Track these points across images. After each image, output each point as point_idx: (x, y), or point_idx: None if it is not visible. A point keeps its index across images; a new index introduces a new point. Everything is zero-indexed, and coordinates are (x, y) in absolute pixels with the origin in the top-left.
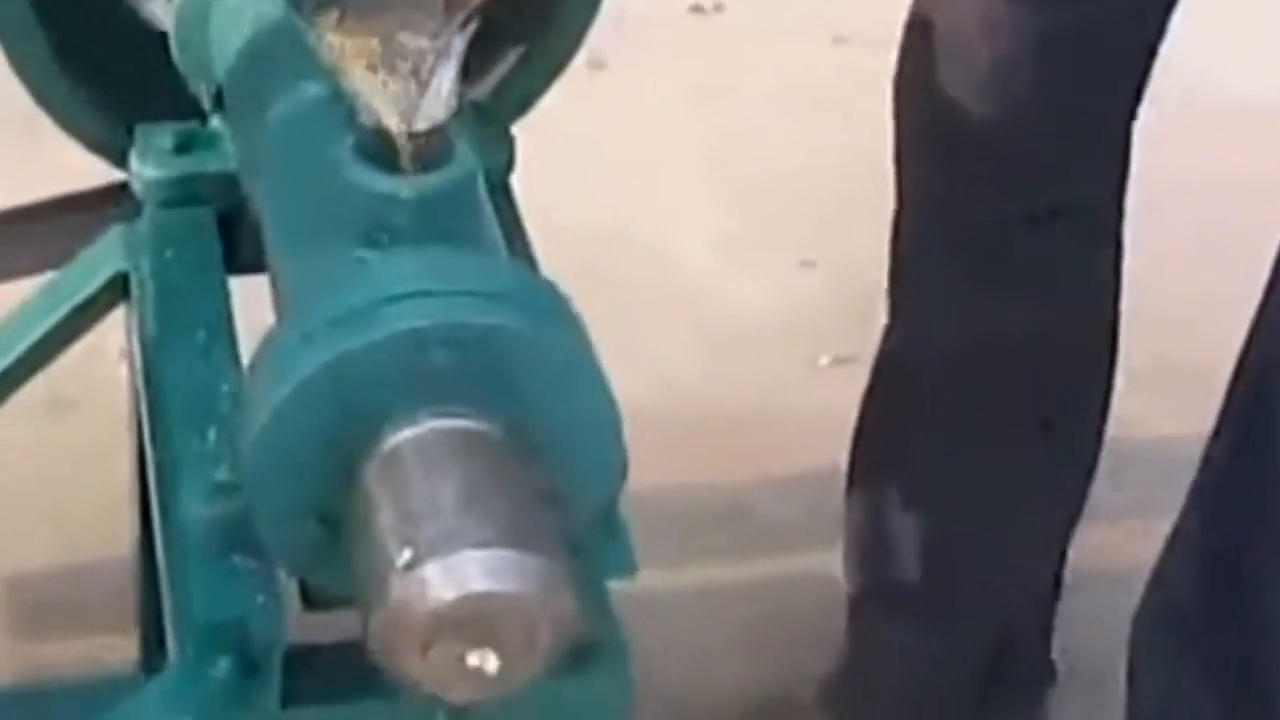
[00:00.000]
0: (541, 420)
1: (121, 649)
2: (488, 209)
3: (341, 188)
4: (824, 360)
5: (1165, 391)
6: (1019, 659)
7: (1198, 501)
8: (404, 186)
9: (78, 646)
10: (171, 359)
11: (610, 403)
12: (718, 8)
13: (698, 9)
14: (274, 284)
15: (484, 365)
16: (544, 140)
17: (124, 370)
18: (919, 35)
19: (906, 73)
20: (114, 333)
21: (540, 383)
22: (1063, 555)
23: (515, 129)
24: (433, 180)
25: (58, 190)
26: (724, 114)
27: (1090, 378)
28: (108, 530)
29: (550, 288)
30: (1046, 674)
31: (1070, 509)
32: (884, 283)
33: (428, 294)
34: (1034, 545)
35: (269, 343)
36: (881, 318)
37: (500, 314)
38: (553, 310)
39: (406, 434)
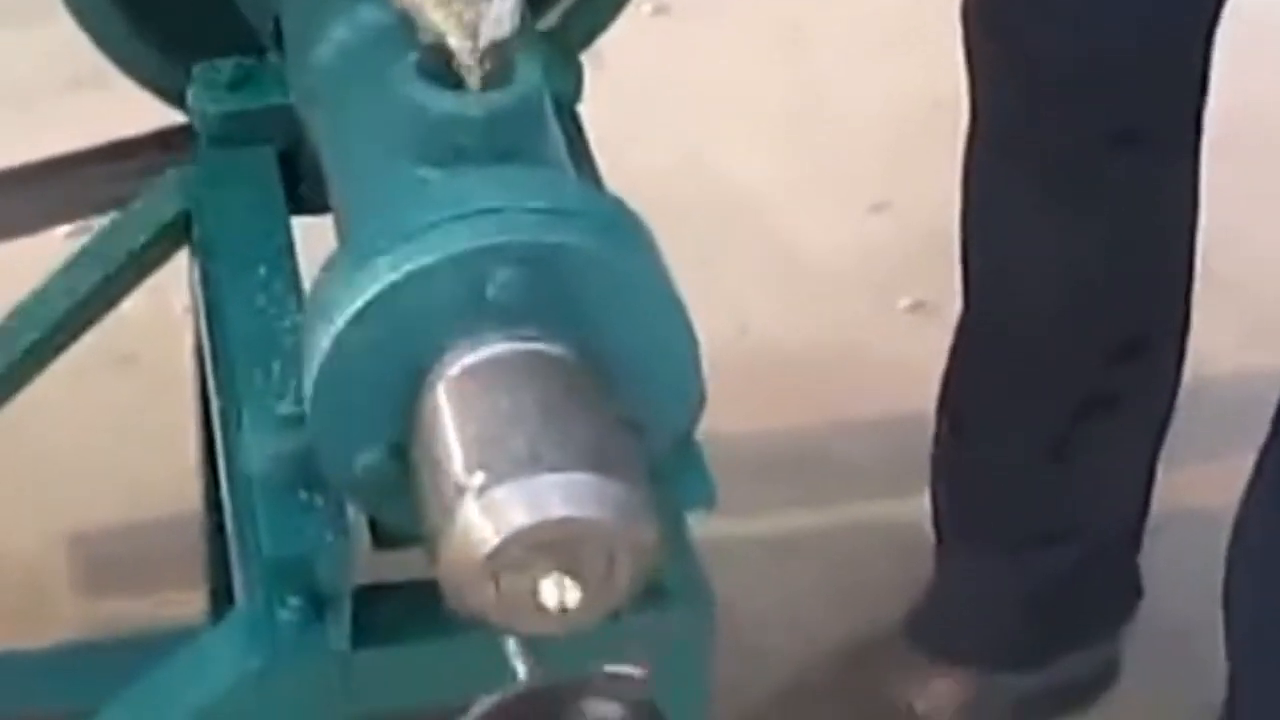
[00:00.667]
0: (616, 344)
1: (190, 604)
2: (555, 129)
3: (404, 107)
4: (902, 303)
5: (1239, 319)
6: (1107, 582)
7: None
8: (468, 104)
9: (145, 603)
10: (233, 296)
11: (687, 327)
12: None
13: None
14: (336, 211)
15: (555, 286)
16: (613, 83)
17: (188, 326)
18: None
19: None
20: (177, 289)
21: (614, 305)
22: (1150, 478)
23: (585, 72)
24: (498, 98)
25: None
26: (792, 56)
27: (1172, 298)
28: (174, 486)
29: (623, 207)
30: (1134, 594)
31: (1156, 431)
32: (957, 225)
33: (496, 211)
34: (1122, 469)
35: (331, 266)
36: (957, 262)
37: (571, 232)
38: (626, 230)
39: (475, 356)
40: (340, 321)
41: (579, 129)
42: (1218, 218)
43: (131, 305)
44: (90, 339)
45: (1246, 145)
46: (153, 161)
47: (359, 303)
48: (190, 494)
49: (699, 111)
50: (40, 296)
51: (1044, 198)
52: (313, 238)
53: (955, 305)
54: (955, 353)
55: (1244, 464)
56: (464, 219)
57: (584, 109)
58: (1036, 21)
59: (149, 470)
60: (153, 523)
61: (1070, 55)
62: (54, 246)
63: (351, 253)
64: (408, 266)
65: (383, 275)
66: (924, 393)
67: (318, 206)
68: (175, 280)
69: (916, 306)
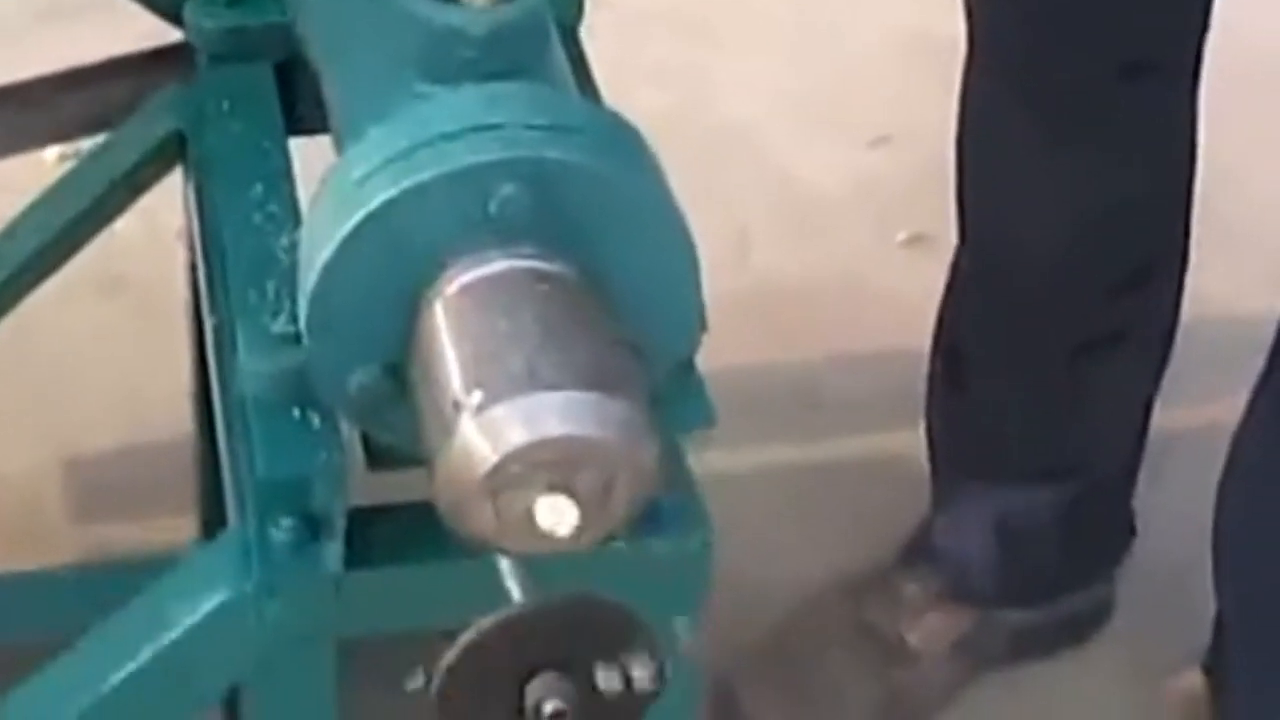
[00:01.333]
0: (618, 263)
1: (184, 529)
2: (557, 46)
3: (404, 21)
4: (901, 236)
5: (1237, 260)
6: (1102, 521)
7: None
8: (471, 18)
9: (139, 527)
10: (228, 214)
11: (690, 246)
12: None
13: None
14: (334, 128)
15: (556, 203)
16: (614, 13)
17: (181, 250)
18: None
19: None
20: (170, 210)
21: (616, 223)
22: (1146, 417)
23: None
24: (500, 12)
25: None
26: None
27: (1173, 231)
28: (168, 408)
29: (625, 124)
30: (1128, 533)
31: (1154, 369)
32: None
33: (495, 127)
34: (1119, 408)
35: (327, 181)
36: None
37: (573, 149)
38: (629, 148)
39: (475, 273)
40: (336, 239)
41: (580, 50)
42: (1217, 158)
43: (123, 226)
44: (81, 260)
45: (1247, 84)
46: (146, 80)
47: (355, 220)
48: (184, 417)
49: (699, 44)
50: (30, 216)
51: (1048, 131)
52: (311, 158)
53: (950, 239)
54: (950, 289)
55: (1238, 404)
56: (464, 135)
57: (585, 43)
58: None
59: (142, 392)
60: (146, 446)
61: None
62: (45, 168)
63: (348, 168)
64: (405, 183)
65: (379, 192)
66: (921, 326)
67: (316, 126)
68: (167, 202)
69: (915, 240)
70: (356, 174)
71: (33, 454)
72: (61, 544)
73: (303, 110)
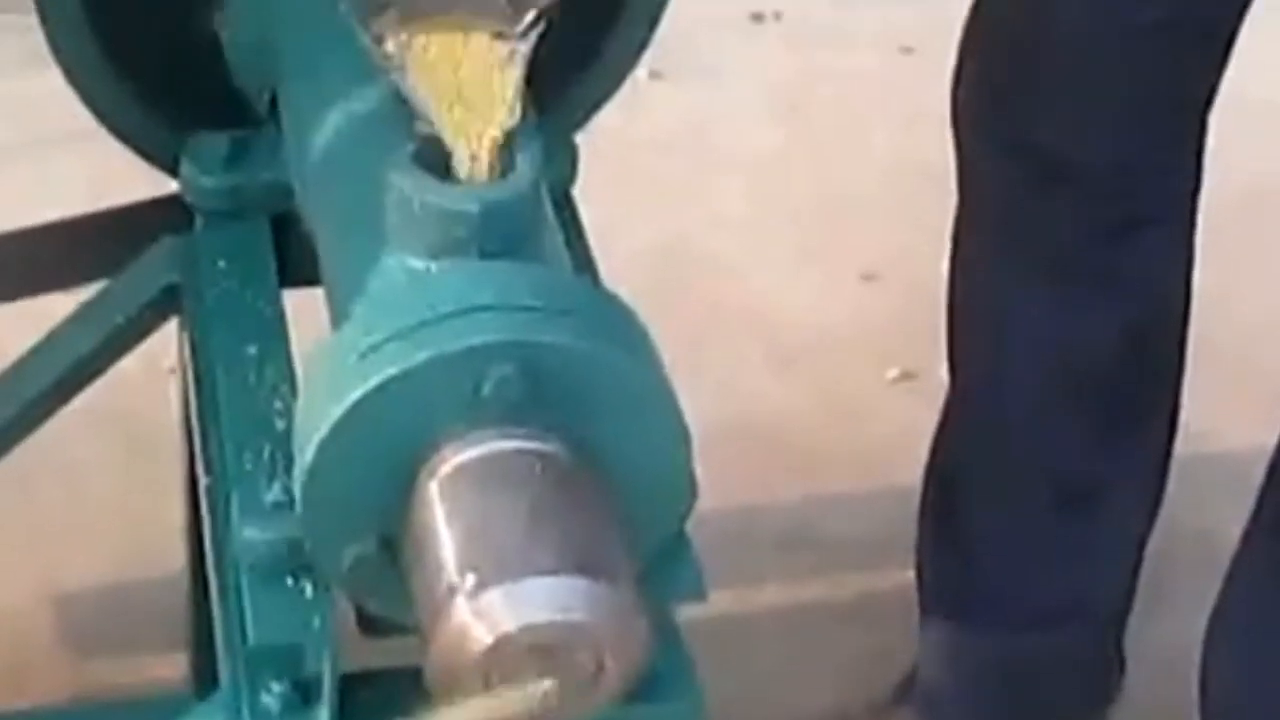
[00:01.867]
0: (609, 441)
1: (176, 667)
2: (551, 221)
3: (399, 198)
4: (892, 374)
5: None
6: (1092, 661)
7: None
8: (464, 198)
9: (131, 666)
10: (224, 374)
11: (680, 424)
12: (777, 16)
13: (758, 17)
14: (329, 296)
15: (549, 384)
16: (605, 150)
17: (175, 385)
18: (978, 42)
19: (966, 75)
20: (165, 347)
21: (608, 402)
22: (1139, 557)
23: (577, 139)
24: (495, 191)
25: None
26: (785, 124)
27: (1165, 377)
28: (161, 547)
29: (617, 303)
30: (1118, 673)
31: (1146, 512)
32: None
33: (489, 309)
34: (1110, 549)
35: (323, 357)
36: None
37: (565, 331)
38: (621, 327)
39: (469, 454)
40: (331, 419)
41: (572, 211)
42: (1206, 285)
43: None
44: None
45: (1234, 211)
46: (143, 230)
47: (349, 400)
48: (177, 554)
49: (689, 175)
50: (27, 364)
51: (1038, 281)
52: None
53: (941, 376)
54: (943, 426)
55: (1231, 538)
56: (458, 316)
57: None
58: (1039, 124)
59: (136, 528)
60: (139, 582)
61: (1076, 154)
62: (44, 313)
63: (343, 346)
64: (399, 364)
65: (374, 373)
66: (912, 464)
67: (311, 278)
68: (162, 336)
69: (905, 377)
70: (351, 353)
71: (24, 589)
72: (52, 681)
73: (297, 262)
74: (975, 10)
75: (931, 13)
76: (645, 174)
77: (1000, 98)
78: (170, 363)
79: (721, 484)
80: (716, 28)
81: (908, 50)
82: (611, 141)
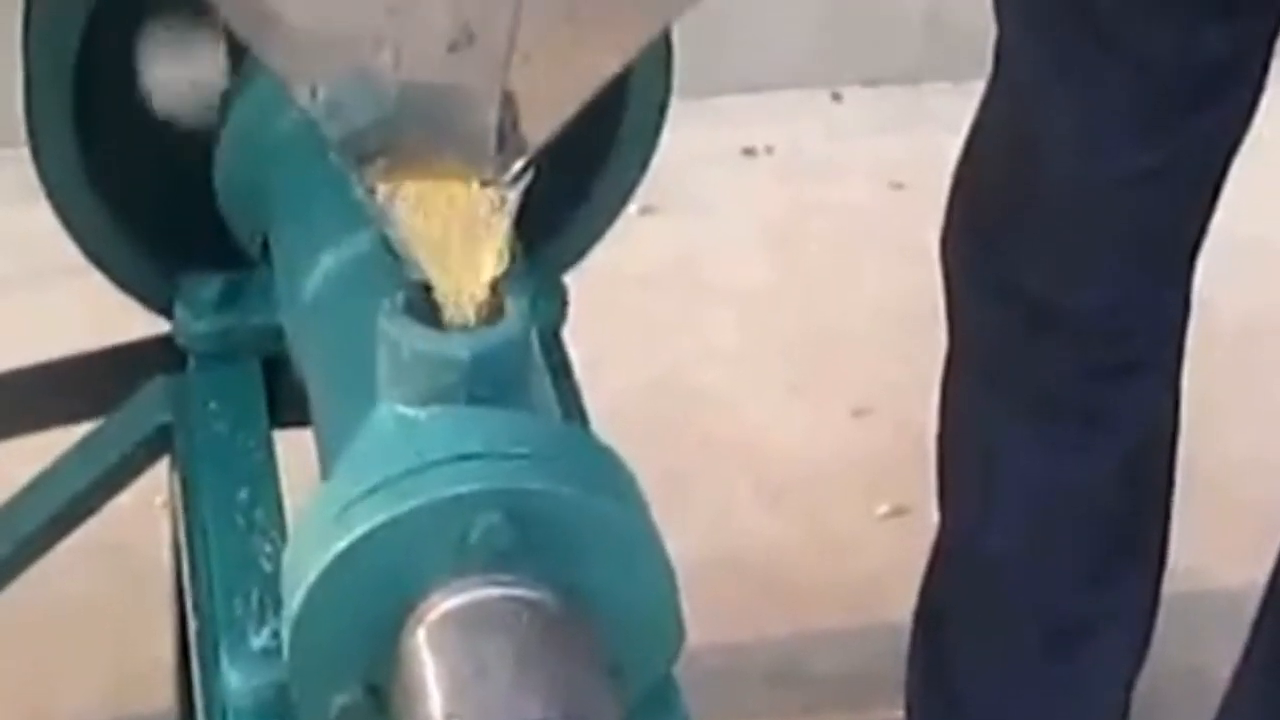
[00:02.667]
0: (596, 589)
1: None
2: (540, 367)
3: (387, 344)
4: (882, 509)
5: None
6: None
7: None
8: (454, 345)
9: None
10: (214, 517)
11: (667, 572)
12: (769, 150)
13: (749, 151)
14: (319, 441)
15: (536, 532)
16: (595, 284)
17: (166, 519)
18: (968, 186)
19: (956, 217)
20: (157, 481)
21: (594, 551)
22: (1128, 697)
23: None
24: (483, 339)
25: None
26: (776, 258)
27: (1154, 516)
28: (151, 682)
29: (605, 452)
30: None
31: (1135, 653)
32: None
33: (477, 457)
34: (1099, 688)
35: (312, 504)
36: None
37: (552, 479)
38: (608, 474)
39: (455, 601)
40: (318, 567)
41: (561, 351)
42: (1193, 417)
43: None
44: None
45: (1221, 343)
46: (138, 368)
47: (337, 549)
48: (166, 690)
49: (679, 310)
50: (21, 502)
51: (1033, 424)
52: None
53: (931, 513)
54: (932, 564)
55: (1218, 680)
56: (445, 464)
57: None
58: (1028, 270)
59: (125, 663)
60: (133, 717)
61: (1065, 299)
62: (39, 449)
63: (332, 494)
64: (386, 513)
65: (361, 521)
66: (902, 602)
67: (301, 420)
68: (154, 472)
69: (896, 512)
70: (339, 501)
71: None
72: None
73: (289, 403)
74: (965, 153)
75: (923, 148)
76: (636, 308)
77: (988, 241)
78: (162, 498)
79: (710, 619)
80: (708, 162)
81: (898, 186)
82: (602, 276)
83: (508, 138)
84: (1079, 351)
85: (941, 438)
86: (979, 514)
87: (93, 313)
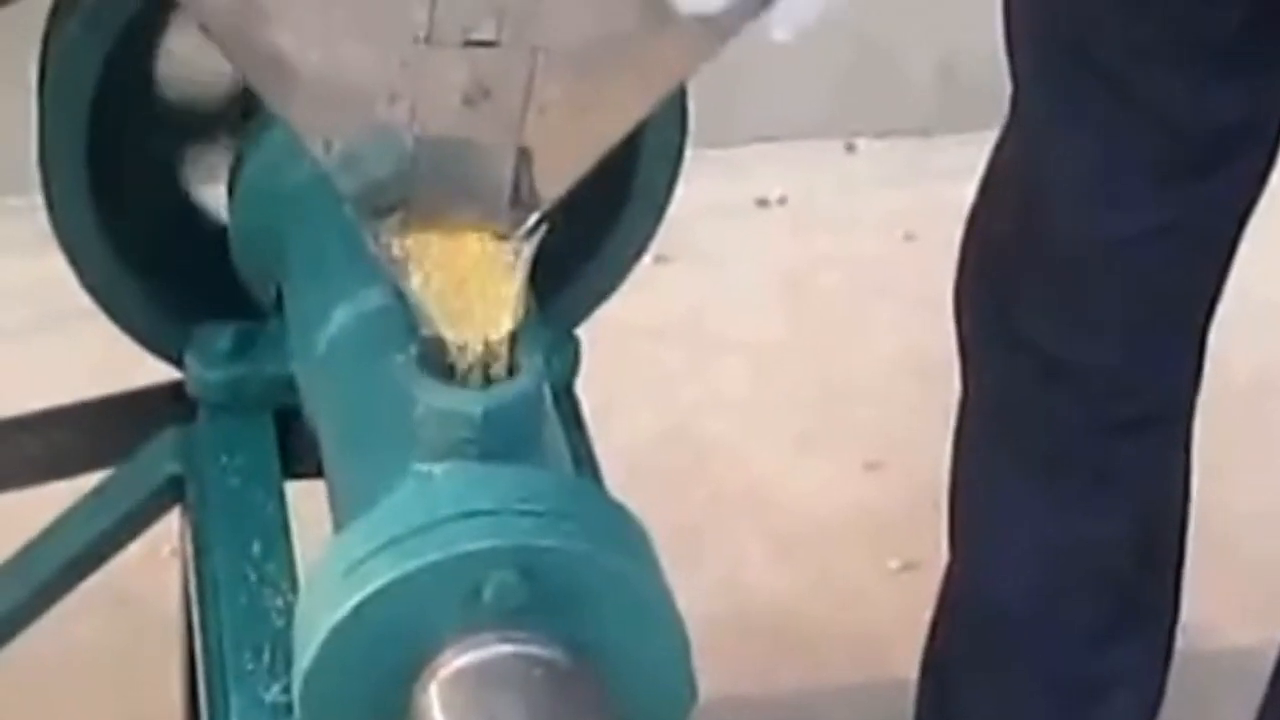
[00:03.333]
0: (609, 646)
1: None
2: (554, 422)
3: (402, 399)
4: (893, 564)
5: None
6: None
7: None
8: (467, 400)
9: None
10: (226, 571)
11: (679, 630)
12: (781, 201)
13: (763, 202)
14: (331, 494)
15: (549, 588)
16: (606, 334)
17: (175, 567)
18: (980, 235)
19: (968, 269)
20: (167, 529)
21: (607, 608)
22: None
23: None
24: (497, 394)
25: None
26: (789, 309)
27: (1165, 573)
28: None
29: (617, 508)
30: None
31: (1145, 714)
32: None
33: (491, 513)
34: None
35: (325, 559)
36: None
37: (565, 536)
38: (621, 531)
39: (468, 658)
40: (330, 623)
41: (574, 406)
42: (1205, 473)
43: None
44: None
45: (1233, 398)
46: (149, 417)
47: (349, 605)
48: None
49: (690, 362)
50: (32, 552)
51: (1035, 477)
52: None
53: (943, 568)
54: (939, 613)
55: None
56: (458, 520)
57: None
58: (1038, 326)
59: (135, 715)
60: None
61: (1076, 355)
62: (45, 502)
63: (344, 549)
64: (399, 570)
65: (375, 577)
66: (913, 656)
67: (313, 472)
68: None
69: (908, 567)
70: (351, 558)
71: None
72: None
73: (301, 455)
74: (977, 201)
75: (935, 200)
76: (647, 358)
77: (999, 292)
78: (170, 546)
79: (722, 673)
80: (721, 213)
81: (911, 237)
82: (613, 325)
83: (522, 192)
84: (1089, 407)
85: (953, 488)
86: (987, 567)
87: (108, 359)
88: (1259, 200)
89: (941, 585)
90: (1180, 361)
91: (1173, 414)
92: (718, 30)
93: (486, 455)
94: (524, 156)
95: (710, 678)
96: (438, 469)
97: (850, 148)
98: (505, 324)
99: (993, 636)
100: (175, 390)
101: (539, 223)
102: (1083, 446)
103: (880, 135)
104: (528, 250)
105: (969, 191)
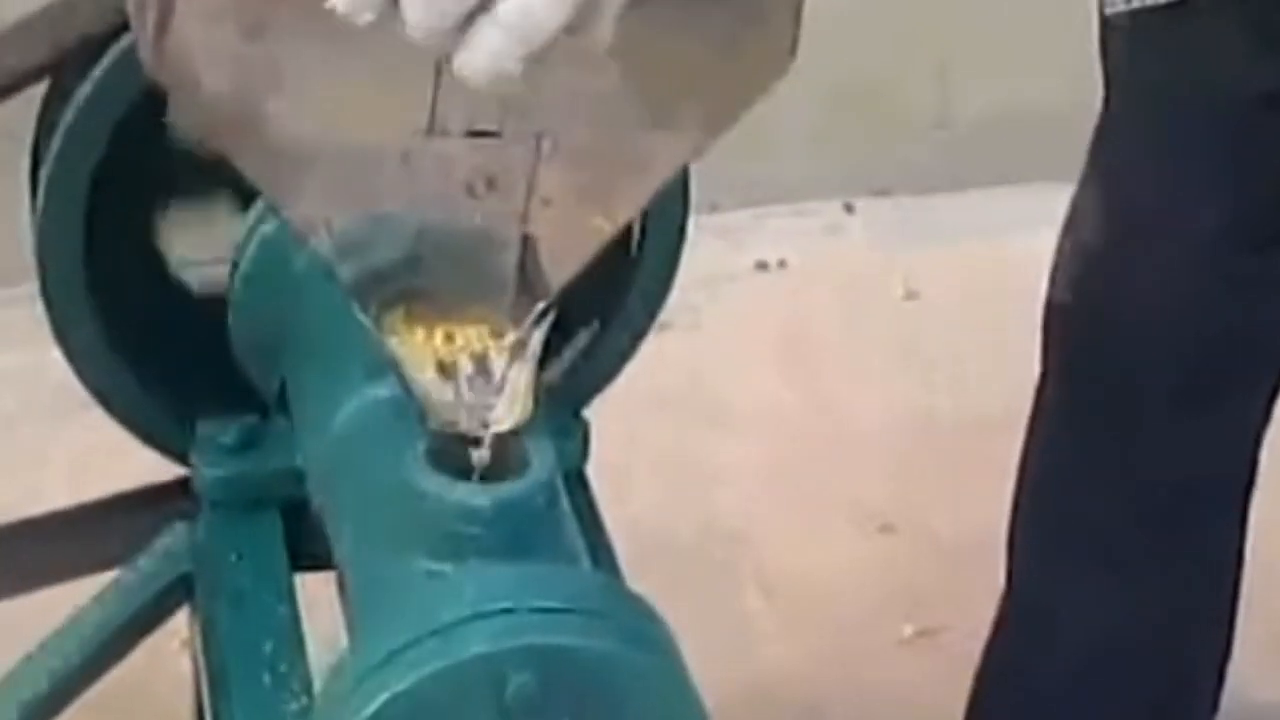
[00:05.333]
0: None
1: None
2: (567, 513)
3: (412, 496)
4: (907, 631)
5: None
6: None
7: None
8: (478, 495)
9: None
10: (238, 673)
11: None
12: (782, 264)
13: (762, 266)
14: (343, 592)
15: (568, 685)
16: (609, 404)
17: (183, 660)
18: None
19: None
20: (175, 622)
21: (629, 703)
22: None
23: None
24: (509, 488)
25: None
26: (793, 372)
27: (1210, 661)
28: None
29: (636, 601)
30: None
31: None
32: (963, 548)
33: (508, 612)
34: None
35: (340, 666)
36: (964, 587)
37: (585, 633)
38: (640, 626)
39: None
40: None
41: (586, 492)
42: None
43: None
44: None
45: None
46: (155, 514)
47: (368, 711)
48: None
49: (699, 428)
50: (37, 659)
51: (1097, 550)
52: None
53: (959, 634)
54: (978, 691)
55: None
56: (472, 622)
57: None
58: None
59: None
60: None
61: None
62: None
63: (360, 654)
64: (418, 673)
65: (392, 683)
66: None
67: (322, 564)
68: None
69: (921, 634)
70: (368, 662)
71: None
72: None
73: (310, 547)
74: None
75: (936, 257)
76: (650, 426)
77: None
78: (180, 639)
79: None
80: (721, 278)
81: (913, 295)
82: (615, 395)
83: (528, 281)
84: (1145, 487)
85: (1009, 563)
86: (1031, 647)
87: (108, 451)
88: None
89: (982, 659)
90: (1242, 430)
91: (1232, 491)
92: (715, 124)
93: (500, 550)
94: (529, 245)
95: None
96: (450, 568)
97: (849, 208)
98: (515, 416)
99: (1038, 703)
100: (182, 485)
101: (545, 312)
102: (1143, 525)
103: (878, 194)
104: (535, 341)
105: (969, 247)
